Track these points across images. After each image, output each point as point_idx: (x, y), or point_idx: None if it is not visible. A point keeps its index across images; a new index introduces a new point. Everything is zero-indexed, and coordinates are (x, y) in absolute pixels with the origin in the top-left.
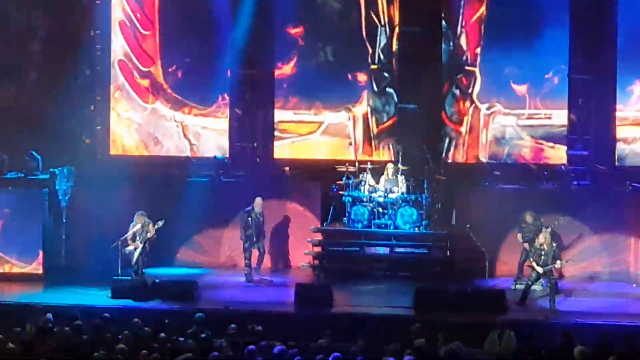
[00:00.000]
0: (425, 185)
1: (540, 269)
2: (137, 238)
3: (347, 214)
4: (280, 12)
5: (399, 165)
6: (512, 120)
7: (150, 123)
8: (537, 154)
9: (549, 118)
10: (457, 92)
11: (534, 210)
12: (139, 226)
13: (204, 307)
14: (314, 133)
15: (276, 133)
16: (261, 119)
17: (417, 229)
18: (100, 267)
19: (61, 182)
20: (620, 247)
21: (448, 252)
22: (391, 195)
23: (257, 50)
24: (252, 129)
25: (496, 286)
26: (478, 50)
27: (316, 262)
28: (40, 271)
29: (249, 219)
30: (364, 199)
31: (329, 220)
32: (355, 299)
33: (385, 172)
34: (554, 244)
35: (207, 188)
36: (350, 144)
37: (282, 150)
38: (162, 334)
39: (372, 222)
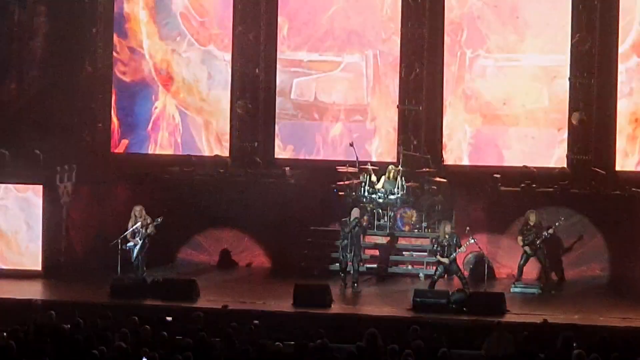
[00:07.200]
0: (425, 187)
1: (445, 260)
2: (137, 235)
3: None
4: None
5: (400, 166)
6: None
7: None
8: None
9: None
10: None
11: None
12: (138, 224)
13: (203, 306)
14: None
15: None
16: (262, 118)
17: (416, 230)
18: (100, 264)
19: (62, 179)
20: (619, 251)
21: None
22: (391, 197)
23: None
24: (254, 128)
25: (495, 289)
26: None
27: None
28: (40, 268)
29: (345, 229)
30: (364, 200)
31: None
32: (353, 300)
33: (386, 174)
34: (454, 233)
35: (208, 187)
36: (351, 144)
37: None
38: (162, 332)
39: (372, 223)
